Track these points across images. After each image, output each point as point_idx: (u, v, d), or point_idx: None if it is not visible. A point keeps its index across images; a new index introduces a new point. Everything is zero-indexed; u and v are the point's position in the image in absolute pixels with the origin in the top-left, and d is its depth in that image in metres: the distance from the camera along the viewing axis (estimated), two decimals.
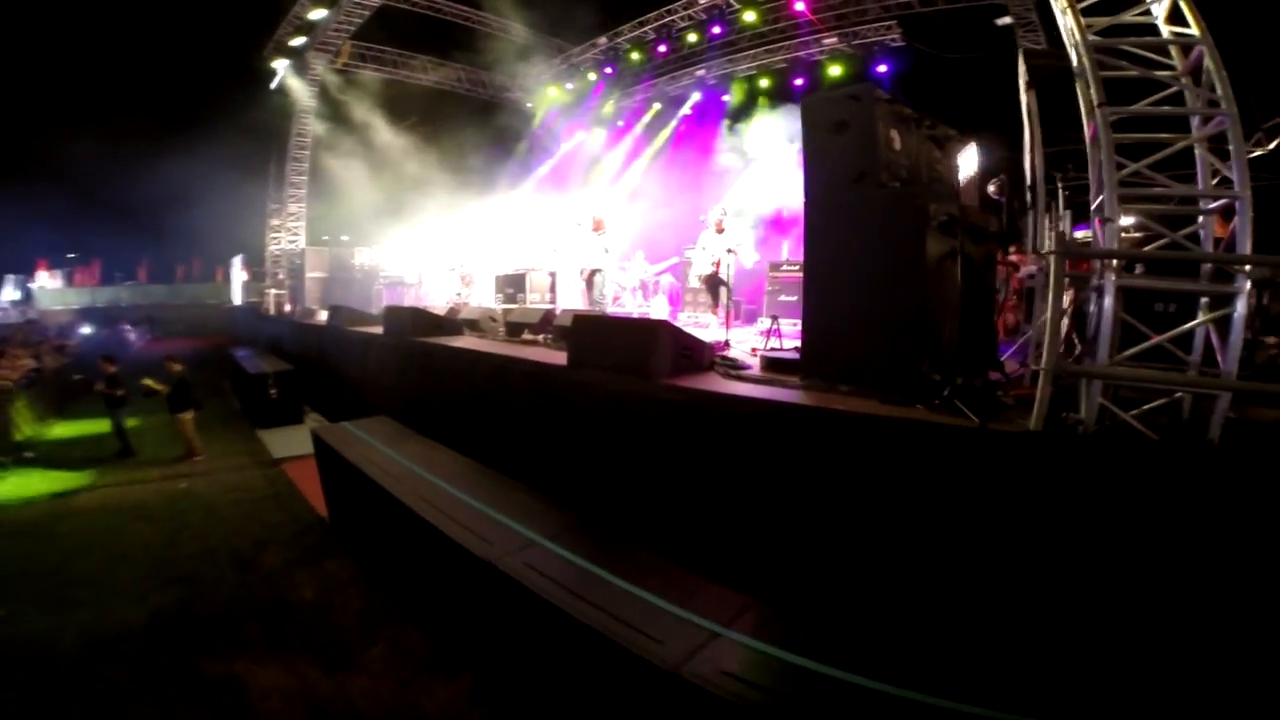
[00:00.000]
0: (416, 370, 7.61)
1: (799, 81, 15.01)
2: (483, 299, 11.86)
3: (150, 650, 4.38)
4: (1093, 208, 3.67)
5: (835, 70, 14.43)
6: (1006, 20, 12.77)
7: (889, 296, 3.61)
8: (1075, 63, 3.81)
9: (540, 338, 7.02)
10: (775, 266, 9.74)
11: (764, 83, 15.87)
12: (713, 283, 8.10)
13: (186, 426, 9.34)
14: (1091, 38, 3.57)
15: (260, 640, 4.49)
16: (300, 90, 15.37)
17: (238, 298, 22.63)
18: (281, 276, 17.04)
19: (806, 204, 4.31)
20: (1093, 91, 3.41)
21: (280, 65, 15.03)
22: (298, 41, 14.39)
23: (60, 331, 21.18)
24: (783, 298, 9.28)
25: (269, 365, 11.95)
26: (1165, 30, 3.59)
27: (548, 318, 7.36)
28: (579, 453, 4.98)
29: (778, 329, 6.65)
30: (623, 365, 4.56)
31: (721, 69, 16.15)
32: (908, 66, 13.86)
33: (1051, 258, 3.04)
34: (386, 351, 8.54)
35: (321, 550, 6.02)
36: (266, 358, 13.26)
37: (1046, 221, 4.98)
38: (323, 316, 13.14)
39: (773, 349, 5.98)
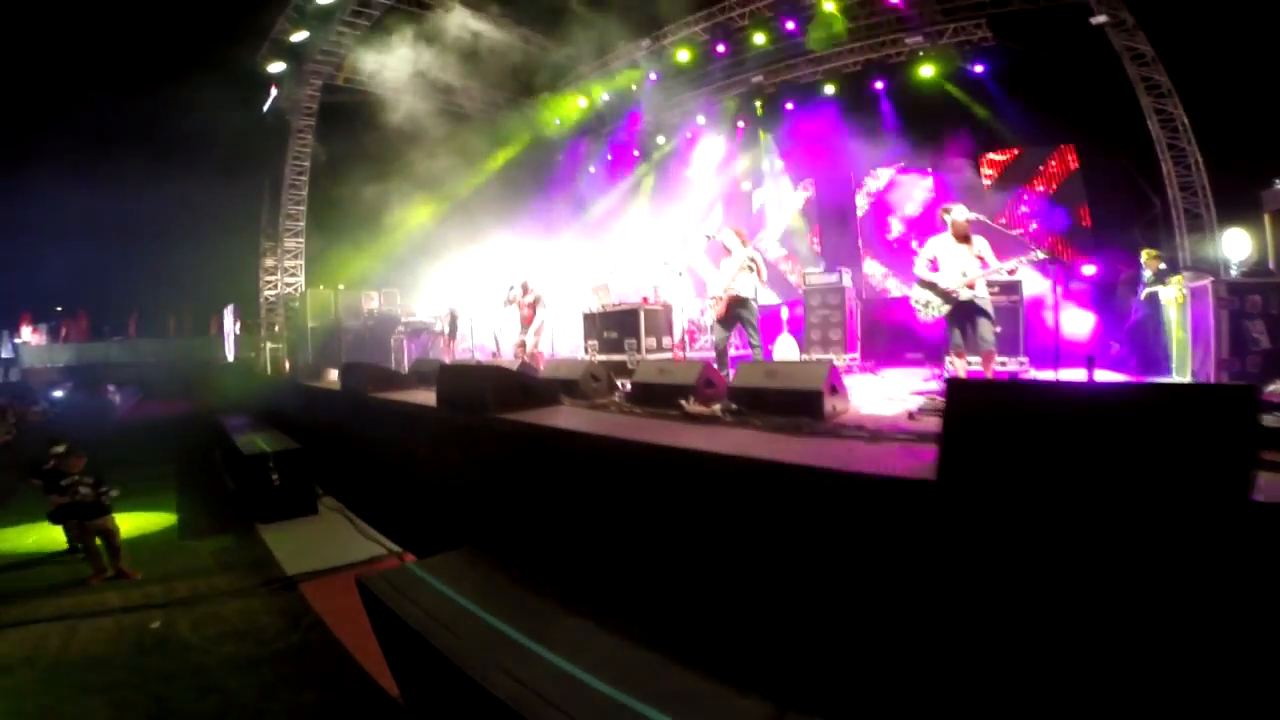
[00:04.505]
0: (515, 471, 5.00)
1: (879, 84, 13.21)
2: (556, 340, 9.46)
3: None
4: None
5: (927, 71, 12.61)
6: (1100, 19, 11.49)
7: None
8: None
9: (714, 409, 4.59)
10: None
11: (829, 89, 14.04)
12: (965, 315, 5.67)
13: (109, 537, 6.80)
14: None
15: None
16: (295, 106, 13.17)
17: (230, 353, 20.14)
18: (278, 328, 14.55)
19: None
20: None
21: (275, 68, 12.85)
22: (299, 37, 12.20)
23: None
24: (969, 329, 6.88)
25: (268, 442, 9.44)
26: None
27: (708, 376, 4.92)
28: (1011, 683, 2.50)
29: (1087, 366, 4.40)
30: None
31: (779, 75, 14.30)
32: (1004, 67, 12.22)
33: None
34: (449, 437, 5.95)
35: None
36: (266, 430, 10.75)
37: None
38: (333, 376, 10.73)
39: None
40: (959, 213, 5.71)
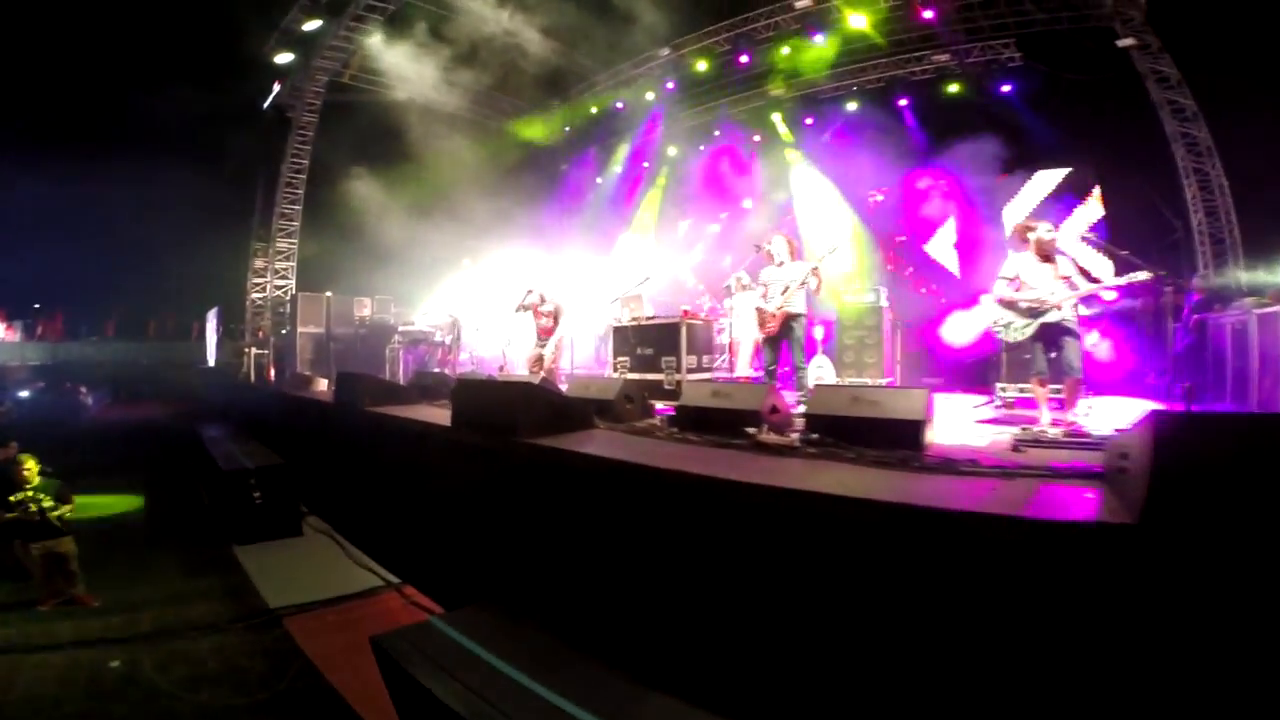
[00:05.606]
0: (551, 506, 4.25)
1: (903, 102, 12.88)
2: (575, 350, 8.71)
3: None
4: None
5: (952, 89, 12.33)
6: (1127, 42, 11.30)
7: None
8: None
9: (791, 439, 3.96)
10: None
11: (851, 105, 13.71)
12: (1051, 337, 5.06)
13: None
14: None
15: None
16: (299, 101, 12.52)
17: (212, 358, 19.22)
18: (263, 333, 13.72)
19: None
20: None
21: (283, 60, 12.20)
22: (311, 26, 11.59)
23: None
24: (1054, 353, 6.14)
25: (249, 456, 8.65)
26: None
27: (774, 402, 4.28)
28: None
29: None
30: None
31: (800, 89, 13.92)
32: (1031, 88, 11.97)
33: None
34: (466, 461, 5.16)
35: None
36: (246, 441, 9.96)
37: None
38: (322, 386, 10.00)
39: None
40: (1043, 231, 5.16)
